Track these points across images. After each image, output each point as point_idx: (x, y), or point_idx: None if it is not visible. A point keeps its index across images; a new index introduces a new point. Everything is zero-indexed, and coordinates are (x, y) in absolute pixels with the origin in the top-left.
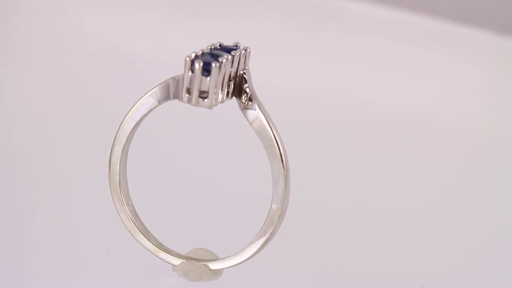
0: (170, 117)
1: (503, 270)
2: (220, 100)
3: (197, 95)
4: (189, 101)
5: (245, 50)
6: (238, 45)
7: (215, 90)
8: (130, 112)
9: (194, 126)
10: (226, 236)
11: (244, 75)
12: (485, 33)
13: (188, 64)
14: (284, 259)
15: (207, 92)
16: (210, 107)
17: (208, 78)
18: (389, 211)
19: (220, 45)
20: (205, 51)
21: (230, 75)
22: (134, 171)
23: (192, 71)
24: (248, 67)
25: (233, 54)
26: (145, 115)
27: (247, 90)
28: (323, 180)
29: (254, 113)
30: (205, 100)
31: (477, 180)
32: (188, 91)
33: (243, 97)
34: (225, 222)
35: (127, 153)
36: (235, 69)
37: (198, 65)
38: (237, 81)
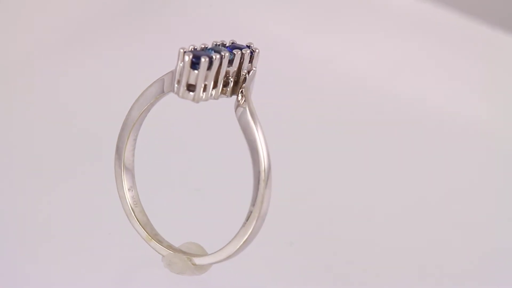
0: (170, 114)
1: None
2: (213, 96)
3: (185, 87)
4: (177, 91)
5: (254, 51)
6: (251, 45)
7: (202, 85)
8: (137, 100)
9: (199, 124)
10: (227, 234)
11: (246, 75)
12: (488, 28)
13: (181, 55)
14: (282, 262)
15: (195, 85)
16: (196, 101)
17: (196, 72)
18: (393, 211)
19: (232, 43)
20: (208, 46)
21: (228, 73)
22: (149, 163)
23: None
24: (255, 68)
25: (234, 52)
26: (152, 104)
27: (243, 90)
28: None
29: (244, 114)
30: (191, 93)
31: (478, 179)
32: (179, 82)
33: (239, 97)
34: (229, 220)
35: (134, 140)
36: (237, 68)
37: (187, 58)
38: (239, 80)
